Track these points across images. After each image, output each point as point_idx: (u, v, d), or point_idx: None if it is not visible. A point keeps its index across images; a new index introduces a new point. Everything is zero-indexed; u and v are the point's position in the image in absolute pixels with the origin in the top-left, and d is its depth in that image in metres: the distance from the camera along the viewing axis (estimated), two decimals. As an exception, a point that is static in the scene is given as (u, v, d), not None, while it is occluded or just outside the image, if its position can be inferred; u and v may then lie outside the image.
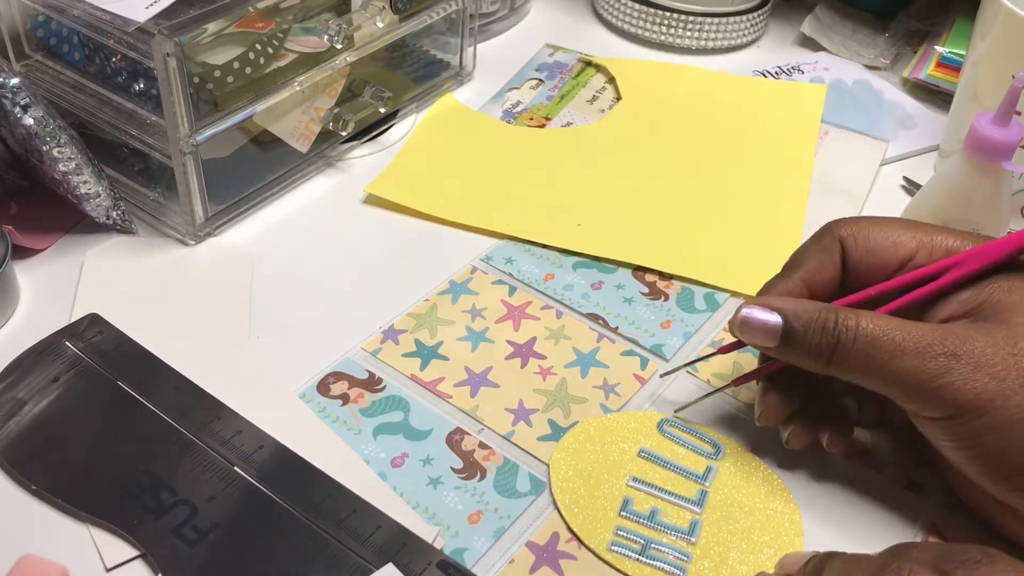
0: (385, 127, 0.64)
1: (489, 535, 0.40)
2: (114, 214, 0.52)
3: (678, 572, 0.39)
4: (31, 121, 0.47)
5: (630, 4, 0.74)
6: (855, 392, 0.43)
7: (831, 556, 0.36)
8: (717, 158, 0.62)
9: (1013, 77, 0.47)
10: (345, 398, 0.45)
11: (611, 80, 0.70)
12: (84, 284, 0.51)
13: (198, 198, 0.53)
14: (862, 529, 0.41)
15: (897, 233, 0.41)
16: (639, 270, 0.54)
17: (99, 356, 0.46)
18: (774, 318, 0.40)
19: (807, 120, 0.66)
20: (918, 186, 0.61)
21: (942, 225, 0.42)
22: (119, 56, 0.52)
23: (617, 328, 0.50)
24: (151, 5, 0.48)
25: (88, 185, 0.50)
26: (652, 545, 0.40)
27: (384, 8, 0.59)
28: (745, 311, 0.40)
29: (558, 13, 0.79)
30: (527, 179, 0.60)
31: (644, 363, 0.48)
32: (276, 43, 0.54)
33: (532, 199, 0.58)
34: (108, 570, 0.38)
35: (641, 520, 0.41)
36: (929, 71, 0.69)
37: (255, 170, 0.57)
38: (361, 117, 0.60)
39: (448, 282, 0.52)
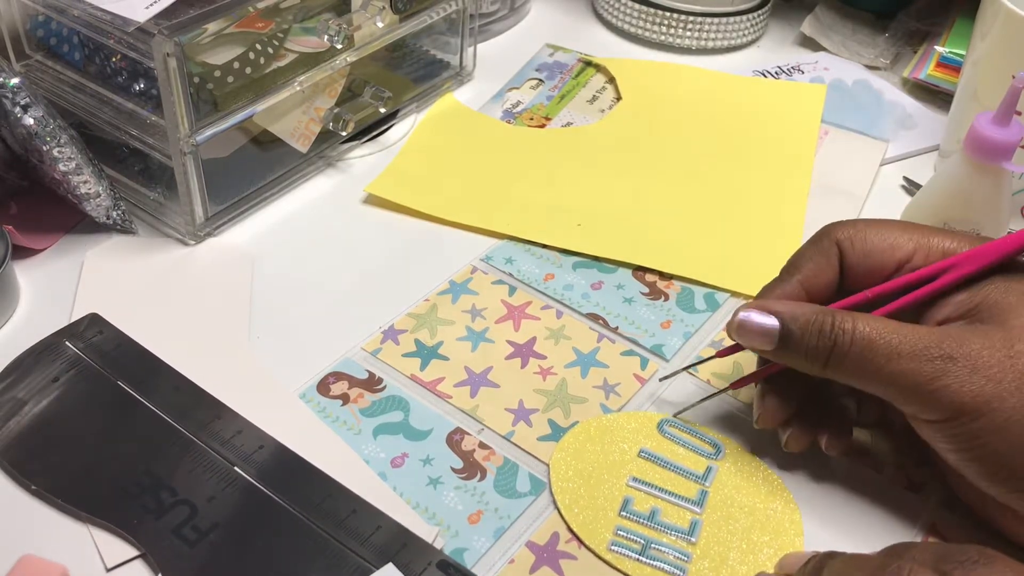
0: (385, 127, 0.64)
1: (489, 535, 0.40)
2: (114, 214, 0.52)
3: (678, 572, 0.39)
4: (31, 121, 0.47)
5: (630, 4, 0.74)
6: (855, 393, 0.43)
7: (831, 556, 0.36)
8: (717, 158, 0.62)
9: (1013, 77, 0.47)
10: (345, 398, 0.45)
11: (611, 80, 0.70)
12: (84, 284, 0.51)
13: (198, 198, 0.53)
14: (862, 529, 0.41)
15: (894, 235, 0.41)
16: (639, 270, 0.54)
17: (99, 356, 0.46)
18: (771, 321, 0.40)
19: (807, 120, 0.66)
20: (918, 186, 0.60)
21: (942, 225, 0.42)
22: (119, 56, 0.52)
23: (617, 328, 0.50)
24: (151, 5, 0.48)
25: (88, 185, 0.50)
26: (652, 545, 0.40)
27: (384, 8, 0.59)
28: (742, 315, 0.40)
29: (558, 13, 0.79)
30: (527, 179, 0.60)
31: (644, 363, 0.48)
32: (276, 43, 0.54)
33: (532, 199, 0.58)
34: (108, 570, 0.38)
35: (641, 520, 0.41)
36: (929, 71, 0.69)
37: (255, 170, 0.57)
38: (361, 117, 0.60)
39: (448, 282, 0.52)
